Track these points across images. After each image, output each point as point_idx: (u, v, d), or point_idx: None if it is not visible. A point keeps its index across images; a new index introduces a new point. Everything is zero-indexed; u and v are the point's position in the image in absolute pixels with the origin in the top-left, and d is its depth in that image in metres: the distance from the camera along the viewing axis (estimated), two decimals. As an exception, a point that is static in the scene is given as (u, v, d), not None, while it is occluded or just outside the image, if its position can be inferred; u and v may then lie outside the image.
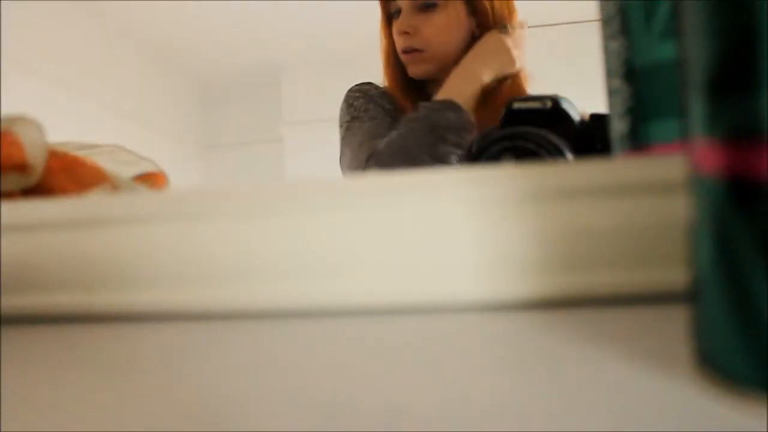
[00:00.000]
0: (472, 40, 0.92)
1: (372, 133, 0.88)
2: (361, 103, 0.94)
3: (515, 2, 0.93)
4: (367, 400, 0.14)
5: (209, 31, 3.26)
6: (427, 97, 0.95)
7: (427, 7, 0.90)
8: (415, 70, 0.92)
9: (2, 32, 2.41)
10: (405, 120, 0.83)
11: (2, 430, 0.14)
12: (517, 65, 0.88)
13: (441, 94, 0.85)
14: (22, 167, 0.30)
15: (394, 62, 0.94)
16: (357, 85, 0.98)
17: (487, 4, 0.91)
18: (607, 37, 0.28)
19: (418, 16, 0.90)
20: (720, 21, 0.12)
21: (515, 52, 0.88)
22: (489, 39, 0.89)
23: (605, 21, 0.28)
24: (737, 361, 0.13)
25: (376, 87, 0.97)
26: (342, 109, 0.95)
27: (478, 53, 0.88)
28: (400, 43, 0.91)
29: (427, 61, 0.91)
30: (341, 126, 0.94)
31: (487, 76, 0.86)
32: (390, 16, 0.94)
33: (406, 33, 0.90)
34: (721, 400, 0.13)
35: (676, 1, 0.14)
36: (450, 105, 0.82)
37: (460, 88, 0.85)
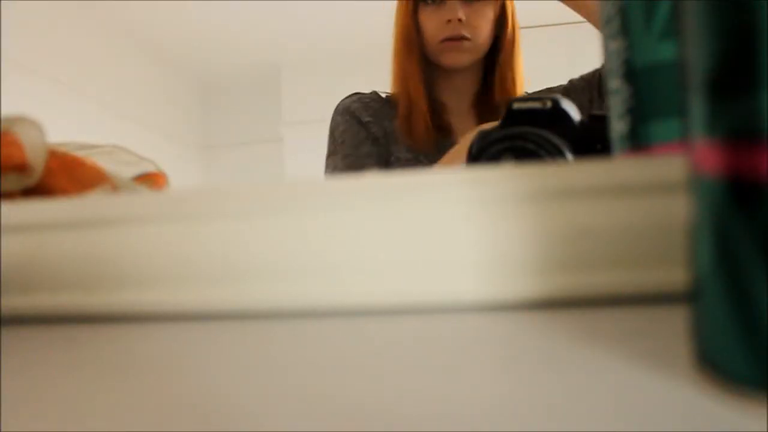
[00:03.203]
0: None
1: (343, 170, 0.91)
2: (339, 133, 0.95)
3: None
4: (367, 400, 0.14)
5: (209, 31, 3.26)
6: (433, 89, 0.95)
7: None
8: (455, 58, 0.92)
9: (2, 32, 2.41)
10: None
11: (2, 430, 0.14)
12: None
13: (443, 163, 0.85)
14: (22, 167, 0.30)
15: (417, 46, 0.93)
16: (342, 101, 0.98)
17: (512, 15, 0.93)
18: (607, 37, 0.28)
19: (468, 5, 0.91)
20: (720, 21, 0.12)
21: None
22: None
23: (605, 21, 0.28)
24: (737, 361, 0.13)
25: (360, 99, 0.97)
26: (329, 131, 0.96)
27: None
28: (446, 30, 0.91)
29: (469, 50, 0.92)
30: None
31: None
32: (417, 1, 0.94)
33: (459, 20, 0.90)
34: (721, 400, 0.13)
35: (676, 1, 0.14)
36: None
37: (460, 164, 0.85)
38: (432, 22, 0.92)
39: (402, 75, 0.95)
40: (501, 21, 0.94)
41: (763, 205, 0.12)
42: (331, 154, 0.95)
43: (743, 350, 0.12)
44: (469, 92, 0.97)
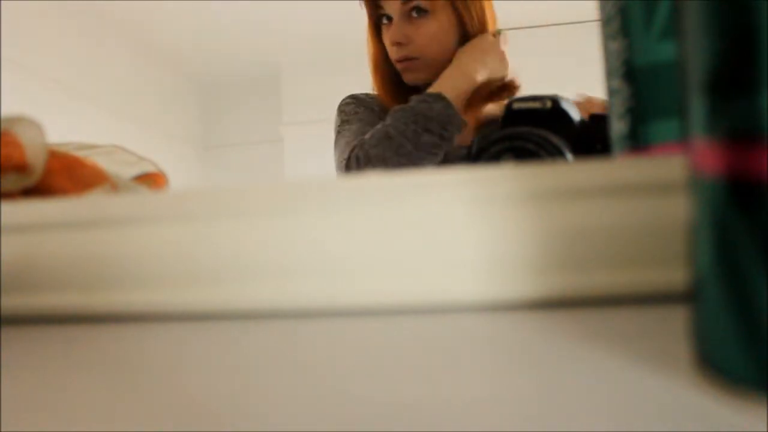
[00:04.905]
0: (462, 45, 0.93)
1: (360, 132, 0.89)
2: (351, 108, 0.95)
3: (494, 12, 0.93)
4: (367, 400, 0.14)
5: (209, 31, 3.26)
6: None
7: (419, 13, 0.89)
8: (411, 78, 0.92)
9: (2, 32, 2.41)
10: (392, 110, 0.84)
11: (2, 430, 0.14)
12: (508, 71, 0.89)
13: (433, 88, 0.85)
14: (22, 167, 0.30)
15: (384, 69, 0.94)
16: (348, 95, 0.99)
17: (473, 12, 0.90)
18: (607, 37, 0.28)
19: (409, 24, 0.90)
20: (720, 21, 0.12)
21: (507, 57, 0.89)
22: (484, 40, 0.89)
23: (605, 21, 0.28)
24: (737, 361, 0.13)
25: (368, 94, 0.98)
26: (336, 117, 0.96)
27: (473, 52, 0.87)
28: (393, 53, 0.91)
29: (422, 68, 0.91)
30: (335, 133, 0.95)
31: (480, 76, 0.86)
32: (377, 21, 0.94)
33: (399, 43, 0.89)
34: (721, 400, 0.13)
35: (676, 1, 0.14)
36: (437, 97, 0.82)
37: (453, 83, 0.85)
38: (388, 43, 0.91)
39: (379, 91, 0.96)
40: (466, 31, 0.91)
41: (763, 205, 0.12)
42: (344, 123, 0.94)
43: (743, 350, 0.12)
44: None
